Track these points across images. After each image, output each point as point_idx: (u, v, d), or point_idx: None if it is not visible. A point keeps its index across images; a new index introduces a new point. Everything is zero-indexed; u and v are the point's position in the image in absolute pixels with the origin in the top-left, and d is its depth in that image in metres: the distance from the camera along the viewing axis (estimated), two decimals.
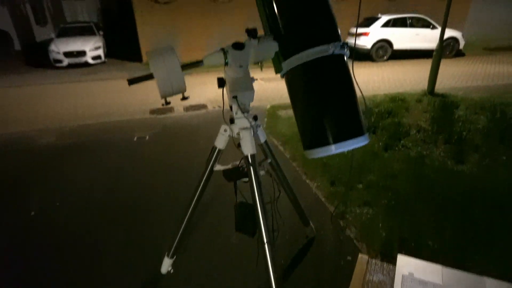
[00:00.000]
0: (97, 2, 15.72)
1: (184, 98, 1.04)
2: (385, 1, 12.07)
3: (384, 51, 10.13)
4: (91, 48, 11.04)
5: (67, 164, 3.48)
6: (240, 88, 1.05)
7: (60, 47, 10.77)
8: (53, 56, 10.79)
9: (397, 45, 10.09)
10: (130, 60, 11.77)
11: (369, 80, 7.61)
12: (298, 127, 1.09)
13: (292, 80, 1.07)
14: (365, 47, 10.03)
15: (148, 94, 7.15)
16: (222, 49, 1.03)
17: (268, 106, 5.21)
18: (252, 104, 1.11)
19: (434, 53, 5.55)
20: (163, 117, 5.39)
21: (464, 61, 10.11)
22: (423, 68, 8.71)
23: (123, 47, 13.13)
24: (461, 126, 3.71)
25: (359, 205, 2.26)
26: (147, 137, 4.21)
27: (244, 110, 1.10)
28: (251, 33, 1.04)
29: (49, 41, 11.58)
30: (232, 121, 1.11)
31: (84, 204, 2.62)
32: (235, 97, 1.06)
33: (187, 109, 5.75)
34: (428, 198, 2.33)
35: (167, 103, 1.06)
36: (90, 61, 11.04)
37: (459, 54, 10.90)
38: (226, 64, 1.04)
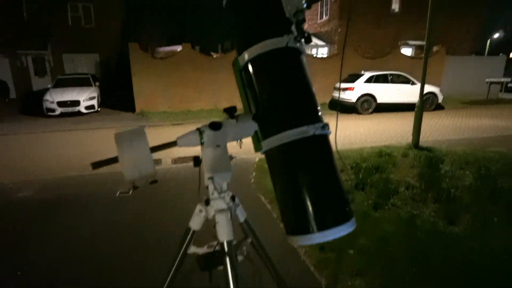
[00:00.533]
0: (97, 56, 16.49)
1: (153, 182, 0.99)
2: (367, 59, 13.01)
3: (368, 105, 10.63)
4: (86, 98, 11.29)
5: (39, 223, 3.27)
6: (216, 169, 1.01)
7: (55, 97, 10.99)
8: (46, 105, 10.95)
9: (380, 99, 10.64)
10: (124, 110, 11.99)
11: (355, 132, 7.82)
12: (279, 208, 1.03)
13: (272, 159, 1.03)
14: (351, 101, 10.53)
15: None
16: (198, 129, 1.01)
17: (257, 159, 5.22)
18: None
19: (416, 109, 5.82)
20: None
21: (444, 114, 10.64)
22: (406, 120, 9.11)
23: (118, 97, 13.49)
24: (448, 183, 3.73)
25: (351, 275, 2.13)
26: (130, 192, 4.08)
27: (221, 191, 1.05)
28: (229, 112, 1.03)
29: (45, 90, 11.86)
30: (207, 202, 1.05)
31: (55, 272, 2.40)
32: (211, 178, 1.02)
33: (175, 161, 5.70)
34: (424, 265, 2.22)
35: (135, 187, 1.00)
36: (83, 110, 11.21)
37: (438, 107, 11.52)
38: (202, 144, 1.00)
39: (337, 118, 1.16)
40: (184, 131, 1.02)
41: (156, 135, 8.31)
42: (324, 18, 16.83)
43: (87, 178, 4.80)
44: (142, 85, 11.34)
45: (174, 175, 4.89)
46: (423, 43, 16.49)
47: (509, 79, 15.60)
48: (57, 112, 10.94)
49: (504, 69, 15.52)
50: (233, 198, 1.09)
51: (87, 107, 11.35)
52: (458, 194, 3.41)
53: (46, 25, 15.24)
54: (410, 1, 15.99)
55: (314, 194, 0.94)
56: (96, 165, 0.95)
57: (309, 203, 0.93)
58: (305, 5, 1.01)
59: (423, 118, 5.87)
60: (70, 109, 11.03)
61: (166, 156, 5.94)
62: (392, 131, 8.02)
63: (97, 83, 12.73)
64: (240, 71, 1.07)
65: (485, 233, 2.63)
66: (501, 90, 15.44)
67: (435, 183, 3.66)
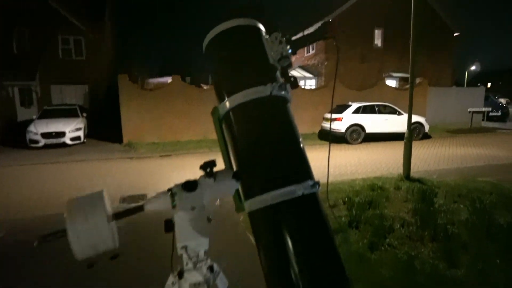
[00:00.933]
0: (86, 87, 16.46)
1: (113, 257, 0.83)
2: (353, 91, 13.37)
3: (357, 135, 10.73)
4: (72, 129, 11.06)
5: (9, 268, 2.95)
6: (191, 236, 0.86)
7: (39, 128, 10.72)
8: (29, 136, 10.64)
9: (369, 129, 10.78)
10: (111, 141, 11.76)
11: (346, 163, 7.77)
12: (264, 273, 0.87)
13: (255, 221, 0.89)
14: (340, 131, 10.62)
15: (125, 177, 6.88)
16: (170, 190, 0.87)
17: None
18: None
19: (405, 140, 5.85)
20: (134, 205, 5.02)
21: (432, 143, 10.82)
22: (395, 150, 9.21)
23: (106, 128, 13.29)
24: (444, 218, 3.62)
25: None
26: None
27: (197, 261, 0.89)
28: (206, 169, 0.89)
29: (30, 121, 11.58)
30: (181, 275, 0.89)
31: None
32: (184, 248, 0.87)
33: None
34: None
35: (90, 266, 0.84)
36: (69, 142, 10.92)
37: (425, 136, 11.74)
38: (173, 207, 0.86)
39: (329, 152, 1.12)
40: (172, 162, 0.91)
41: (142, 168, 8.09)
42: (311, 51, 17.50)
43: (62, 218, 4.48)
44: (130, 115, 11.23)
45: (159, 214, 4.62)
46: (406, 75, 17.33)
47: (489, 109, 16.25)
48: (40, 144, 10.61)
49: (484, 99, 16.17)
50: (211, 269, 0.92)
51: (72, 138, 11.08)
52: (455, 231, 3.28)
53: (35, 57, 15.26)
54: (391, 38, 16.90)
55: (304, 264, 0.79)
56: (43, 239, 0.79)
57: (298, 275, 0.78)
58: (290, 51, 0.95)
59: (412, 148, 5.89)
60: (54, 141, 10.73)
61: (153, 189, 5.69)
62: (382, 161, 8.02)
63: (85, 114, 12.56)
64: (219, 121, 0.96)
65: (488, 276, 2.48)
66: (483, 119, 16.02)
67: (430, 218, 3.54)
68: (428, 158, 8.41)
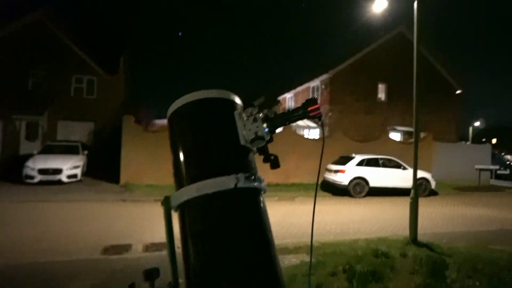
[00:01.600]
0: (92, 125, 16.72)
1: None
2: (357, 142, 13.28)
3: (361, 188, 10.35)
4: (69, 166, 10.92)
5: None
6: None
7: (37, 163, 10.61)
8: (26, 171, 10.49)
9: (373, 183, 10.42)
10: (109, 181, 11.53)
11: (349, 220, 7.34)
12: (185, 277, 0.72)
13: (182, 215, 0.76)
14: (343, 183, 10.28)
15: (114, 222, 6.49)
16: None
17: None
18: None
19: (411, 200, 5.51)
20: (117, 258, 4.61)
21: (439, 200, 10.34)
22: (400, 206, 8.76)
23: (106, 167, 13.17)
24: None
25: None
26: None
27: None
28: (148, 278, 0.74)
29: (30, 156, 11.53)
30: None
31: None
32: None
33: (147, 248, 5.04)
34: None
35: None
36: (65, 179, 10.71)
37: (432, 193, 11.29)
38: None
39: (313, 211, 0.94)
40: (159, 210, 0.76)
41: (134, 213, 7.69)
42: None
43: (39, 268, 4.08)
44: (130, 156, 11.13)
45: (143, 266, 4.20)
46: (410, 129, 17.35)
47: (497, 167, 15.90)
48: (35, 180, 10.40)
49: (491, 156, 15.91)
50: None
51: (69, 176, 10.88)
52: None
53: (47, 93, 15.77)
54: (394, 92, 17.28)
55: (228, 266, 0.68)
56: None
57: (220, 276, 0.67)
58: (266, 129, 0.79)
59: (418, 205, 5.51)
60: (50, 177, 10.53)
61: (139, 240, 5.30)
62: (387, 219, 7.56)
63: (86, 152, 12.52)
64: (169, 215, 0.77)
65: None
66: (491, 177, 15.59)
67: None
68: (436, 217, 7.93)
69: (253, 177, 0.75)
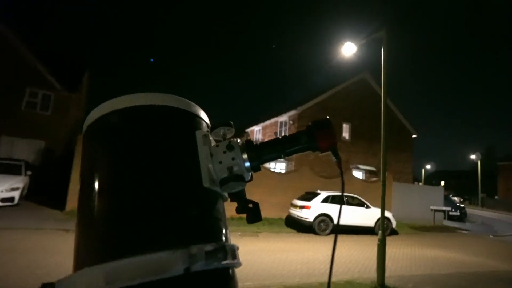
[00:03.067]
0: (42, 143, 15.20)
1: None
2: (322, 178, 13.39)
3: (326, 225, 10.21)
4: (5, 188, 9.59)
5: None
6: None
7: None
8: None
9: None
10: (53, 206, 10.24)
11: (314, 260, 7.04)
12: None
13: None
14: (308, 220, 10.08)
15: (49, 256, 5.50)
16: None
17: None
18: None
19: (378, 242, 5.41)
20: None
21: (400, 240, 10.48)
22: (364, 246, 8.76)
23: (51, 191, 11.79)
24: None
25: None
26: None
27: None
28: None
29: None
30: None
31: None
32: None
33: None
34: None
35: None
36: None
37: (393, 232, 11.48)
38: None
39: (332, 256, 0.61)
40: None
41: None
42: (283, 134, 18.09)
43: None
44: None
45: None
46: (372, 168, 17.97)
47: (449, 208, 16.86)
48: None
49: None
50: None
51: (4, 199, 9.50)
52: None
53: None
54: (357, 132, 18.15)
55: None
56: None
57: None
58: (248, 164, 0.51)
59: None
60: None
61: None
62: (353, 259, 7.38)
63: (29, 172, 11.16)
64: None
65: None
66: (444, 218, 16.43)
67: None
68: (399, 258, 7.93)
69: (221, 250, 0.43)
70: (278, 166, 16.80)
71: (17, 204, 9.89)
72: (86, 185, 0.48)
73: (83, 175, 0.50)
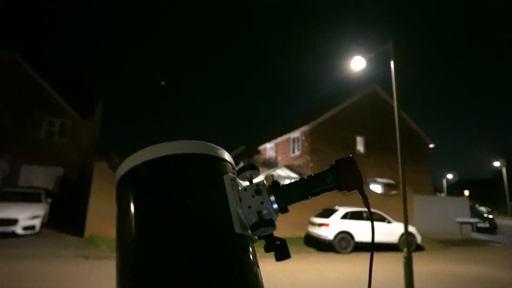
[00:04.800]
0: (61, 170, 15.61)
1: None
2: (339, 194, 13.07)
3: (347, 243, 9.85)
4: (27, 216, 9.76)
5: None
6: None
7: None
8: None
9: (358, 238, 9.97)
10: (71, 233, 10.35)
11: (336, 280, 6.75)
12: None
13: None
14: (327, 238, 9.77)
15: (69, 285, 5.48)
16: None
17: None
18: None
19: (404, 260, 5.15)
20: None
21: (427, 257, 9.97)
22: (389, 264, 8.34)
23: (69, 218, 11.97)
24: None
25: None
26: None
27: None
28: None
29: None
30: None
31: None
32: None
33: None
34: None
35: None
36: (20, 231, 9.45)
37: (418, 248, 10.95)
38: None
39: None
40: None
41: (97, 274, 6.63)
42: (296, 152, 17.99)
43: None
44: (98, 205, 10.18)
45: None
46: (390, 181, 17.49)
47: (477, 220, 16.04)
48: None
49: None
50: None
51: (25, 228, 9.65)
52: None
53: (14, 134, 14.80)
54: (372, 144, 17.84)
55: None
56: None
57: None
58: (275, 206, 0.52)
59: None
60: (3, 229, 9.27)
61: None
62: (378, 279, 7.02)
63: (49, 200, 11.41)
64: None
65: None
66: (472, 230, 15.60)
67: None
68: (428, 277, 7.50)
69: None
70: None
71: (37, 233, 10.04)
72: (121, 232, 0.50)
73: (118, 222, 0.52)
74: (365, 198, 0.55)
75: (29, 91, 15.51)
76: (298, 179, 0.56)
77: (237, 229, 0.47)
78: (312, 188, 0.55)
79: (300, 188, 0.55)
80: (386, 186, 17.06)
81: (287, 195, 0.53)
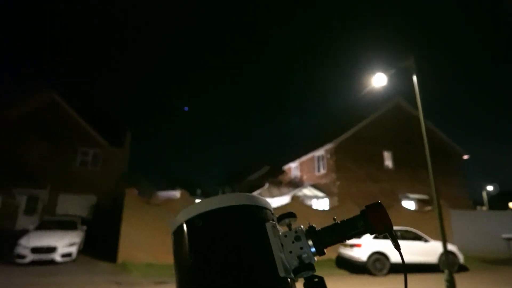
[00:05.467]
0: (94, 197, 16.34)
1: None
2: None
3: (382, 265, 9.36)
4: (65, 244, 10.20)
5: None
6: None
7: (31, 241, 9.92)
8: (18, 250, 9.75)
9: (394, 258, 9.45)
10: (105, 259, 10.65)
11: None
12: None
13: None
14: (360, 259, 9.35)
15: None
16: None
17: None
18: None
19: (447, 283, 4.80)
20: None
21: (473, 278, 9.20)
22: (430, 286, 7.75)
23: (103, 244, 12.37)
24: None
25: None
26: None
27: None
28: None
29: (25, 232, 10.90)
30: None
31: None
32: None
33: None
34: None
35: None
36: (58, 258, 9.87)
37: (461, 268, 10.15)
38: None
39: None
40: None
41: None
42: (322, 171, 17.70)
43: None
44: (130, 231, 10.47)
45: None
46: (423, 196, 16.64)
47: None
48: (27, 260, 9.58)
49: None
50: None
51: (63, 255, 10.06)
52: None
53: (52, 166, 15.82)
54: (400, 159, 17.22)
55: None
56: None
57: None
58: (313, 250, 0.58)
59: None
60: (43, 257, 9.72)
61: None
62: None
63: (84, 227, 11.90)
64: None
65: None
66: None
67: None
68: None
69: None
70: (321, 203, 16.22)
71: (74, 260, 10.42)
72: (179, 275, 0.56)
73: (177, 264, 0.58)
74: (395, 241, 0.59)
75: (65, 125, 16.70)
76: (332, 224, 0.62)
77: (281, 273, 0.52)
78: (346, 232, 0.60)
79: (335, 233, 0.60)
80: (419, 202, 16.24)
81: (324, 240, 0.59)
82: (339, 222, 0.62)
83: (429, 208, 14.02)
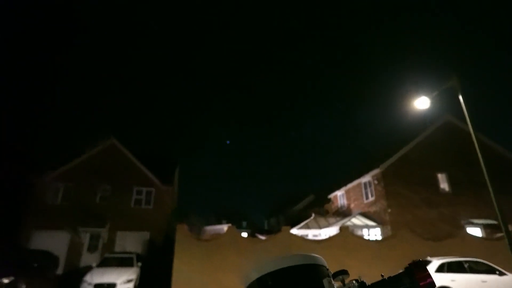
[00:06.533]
0: (147, 234, 17.25)
1: None
2: (429, 241, 11.56)
3: None
4: (123, 281, 10.78)
5: None
6: None
7: (94, 278, 10.66)
8: (83, 287, 10.51)
9: None
10: None
11: None
12: None
13: None
14: None
15: None
16: None
17: None
18: None
19: None
20: None
21: None
22: None
23: (157, 279, 12.81)
24: None
25: None
26: None
27: None
28: None
29: (89, 269, 11.79)
30: None
31: None
32: None
33: None
34: None
35: None
36: None
37: None
38: None
39: None
40: None
41: None
42: (370, 198, 16.84)
43: None
44: (182, 269, 10.78)
45: None
46: (492, 221, 14.79)
47: None
48: None
49: None
50: None
51: None
52: None
53: (111, 206, 17.22)
54: (458, 181, 15.77)
55: None
56: None
57: None
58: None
59: None
60: None
61: None
62: None
63: (139, 264, 12.51)
64: None
65: None
66: None
67: None
68: None
69: None
70: (372, 232, 15.25)
71: None
72: None
73: None
74: None
75: (122, 166, 18.32)
76: (380, 279, 0.71)
77: None
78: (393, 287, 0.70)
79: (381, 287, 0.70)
80: (487, 227, 14.49)
81: None
82: (386, 278, 0.72)
83: (500, 234, 12.44)
